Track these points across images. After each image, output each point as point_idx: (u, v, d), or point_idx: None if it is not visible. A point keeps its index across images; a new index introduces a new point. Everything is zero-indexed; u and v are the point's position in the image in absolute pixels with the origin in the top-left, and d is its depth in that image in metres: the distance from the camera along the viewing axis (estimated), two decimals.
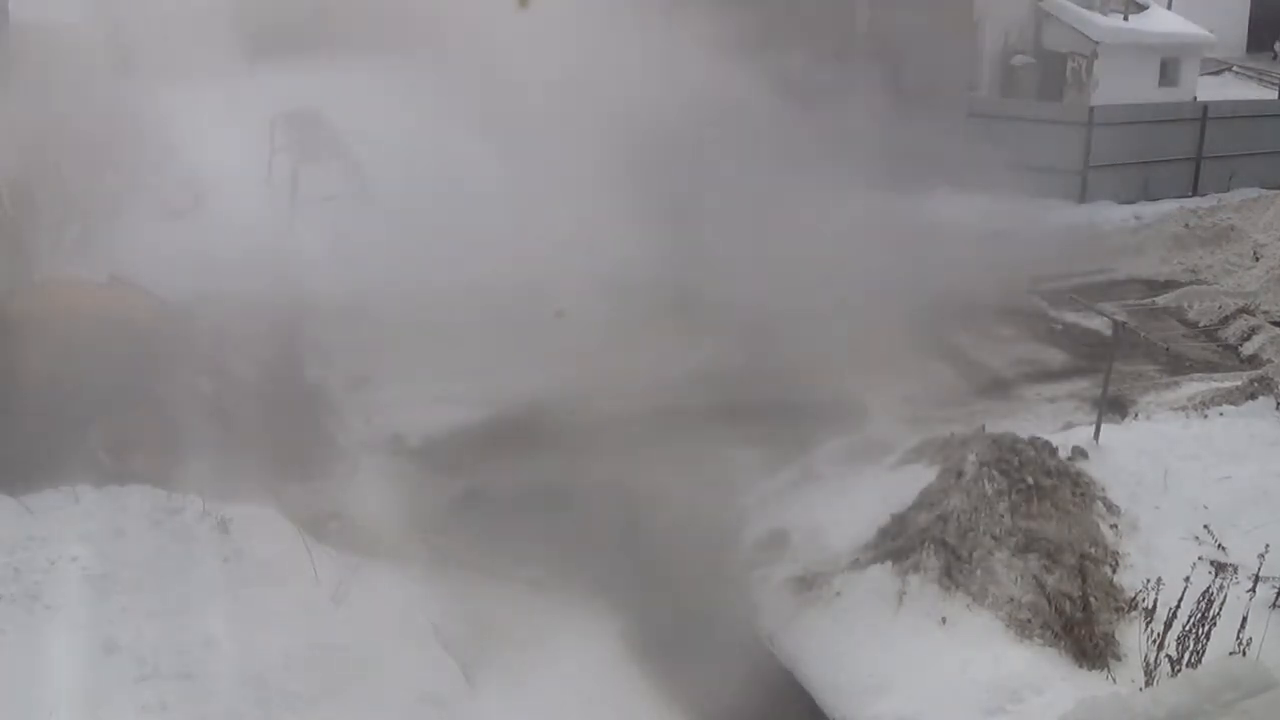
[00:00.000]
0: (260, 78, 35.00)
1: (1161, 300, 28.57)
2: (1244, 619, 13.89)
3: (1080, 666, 14.71)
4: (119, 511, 15.29)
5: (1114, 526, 16.78)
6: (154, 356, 18.76)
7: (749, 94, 29.51)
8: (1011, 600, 15.27)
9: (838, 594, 15.93)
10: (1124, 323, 19.63)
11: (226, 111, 33.93)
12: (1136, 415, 20.87)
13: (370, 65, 30.60)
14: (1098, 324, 23.91)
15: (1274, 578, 15.07)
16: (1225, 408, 20.12)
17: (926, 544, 15.87)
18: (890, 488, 17.82)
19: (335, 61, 32.44)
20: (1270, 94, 45.83)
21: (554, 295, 25.58)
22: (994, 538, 15.86)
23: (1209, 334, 26.90)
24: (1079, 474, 17.36)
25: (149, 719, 13.04)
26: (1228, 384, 21.49)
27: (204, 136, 31.27)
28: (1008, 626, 15.04)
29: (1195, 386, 22.26)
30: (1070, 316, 26.38)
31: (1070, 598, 15.34)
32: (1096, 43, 39.61)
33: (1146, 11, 42.04)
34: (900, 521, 16.77)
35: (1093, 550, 16.21)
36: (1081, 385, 23.14)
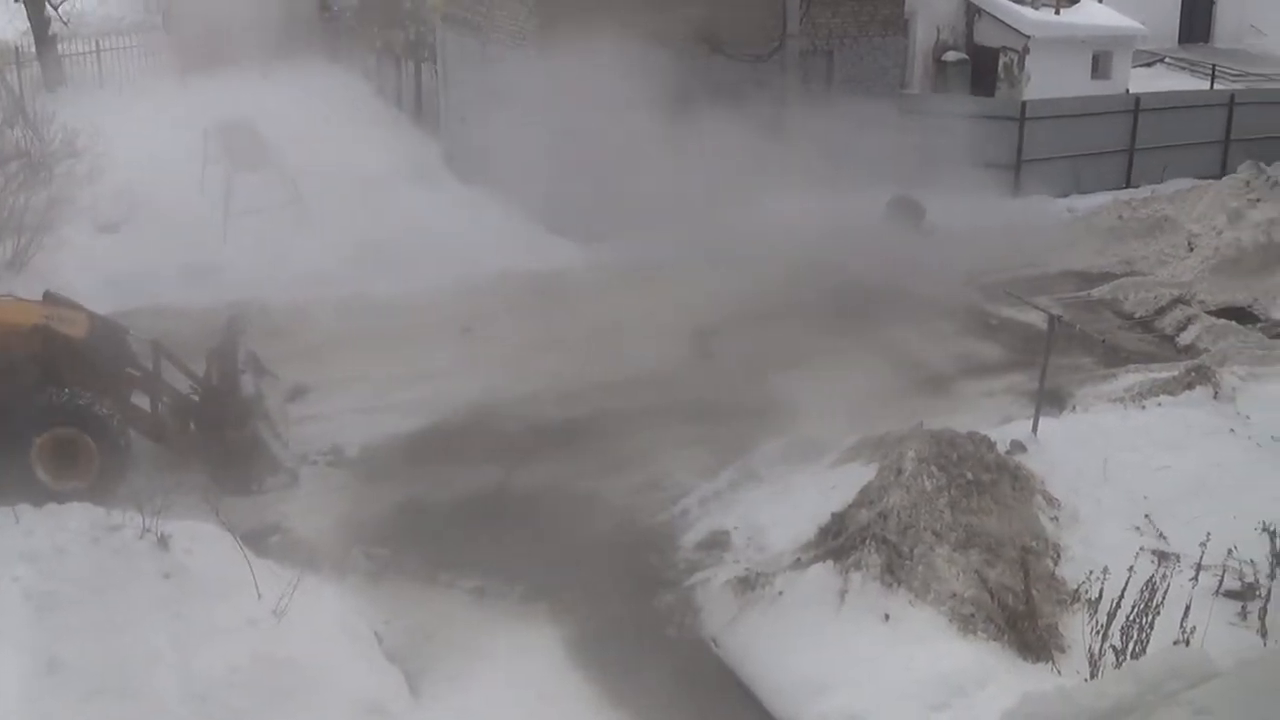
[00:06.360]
0: (192, 89, 34.86)
1: (1097, 292, 28.74)
2: (1187, 608, 13.93)
3: (1024, 660, 14.70)
4: (59, 530, 15.15)
5: (1054, 519, 16.84)
6: (90, 372, 18.68)
7: (680, 93, 29.54)
8: (954, 595, 15.27)
9: (780, 593, 15.90)
10: (1059, 316, 19.68)
11: (159, 123, 33.83)
12: (1074, 408, 20.94)
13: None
14: (1034, 318, 24.00)
15: (1215, 566, 15.16)
16: (1163, 398, 20.22)
17: (867, 541, 15.85)
18: (829, 486, 17.87)
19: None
20: (1202, 85, 46.19)
21: (485, 301, 25.61)
22: (935, 533, 15.86)
23: (1145, 325, 27.07)
24: (1018, 468, 17.40)
25: None
26: (1165, 374, 21.60)
27: (136, 149, 31.21)
28: (951, 622, 15.03)
29: (1132, 378, 22.37)
30: (1006, 311, 26.47)
31: (1013, 591, 15.35)
32: (1028, 37, 39.97)
33: (1078, 5, 42.36)
34: (840, 519, 16.79)
35: (1034, 543, 16.24)
36: (1019, 379, 23.23)
